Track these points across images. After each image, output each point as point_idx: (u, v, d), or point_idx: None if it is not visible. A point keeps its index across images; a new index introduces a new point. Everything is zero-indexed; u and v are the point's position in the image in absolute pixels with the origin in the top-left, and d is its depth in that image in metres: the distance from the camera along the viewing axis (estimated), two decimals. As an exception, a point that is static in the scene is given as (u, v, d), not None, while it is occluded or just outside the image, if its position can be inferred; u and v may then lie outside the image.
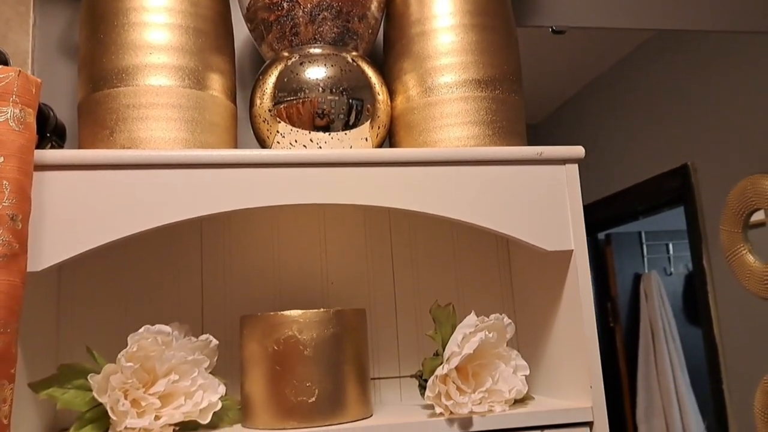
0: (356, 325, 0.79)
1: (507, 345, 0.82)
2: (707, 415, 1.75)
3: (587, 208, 0.82)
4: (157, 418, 0.70)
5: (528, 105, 0.91)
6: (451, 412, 0.75)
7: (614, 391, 2.49)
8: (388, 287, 0.98)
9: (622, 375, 2.54)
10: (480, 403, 0.76)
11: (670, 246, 2.73)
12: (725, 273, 1.53)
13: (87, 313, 0.88)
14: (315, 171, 0.76)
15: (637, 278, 2.64)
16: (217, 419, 0.77)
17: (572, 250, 0.81)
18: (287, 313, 0.75)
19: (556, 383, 0.87)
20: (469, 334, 0.78)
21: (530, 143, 0.87)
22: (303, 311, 0.76)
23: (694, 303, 2.58)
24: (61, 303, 0.88)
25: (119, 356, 0.70)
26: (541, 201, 0.81)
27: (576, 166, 0.83)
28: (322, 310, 0.76)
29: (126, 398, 0.70)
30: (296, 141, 0.82)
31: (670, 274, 2.72)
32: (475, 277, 1.01)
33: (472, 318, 0.80)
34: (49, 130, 0.85)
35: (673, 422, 2.36)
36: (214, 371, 0.78)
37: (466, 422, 0.75)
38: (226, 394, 0.79)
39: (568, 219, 0.81)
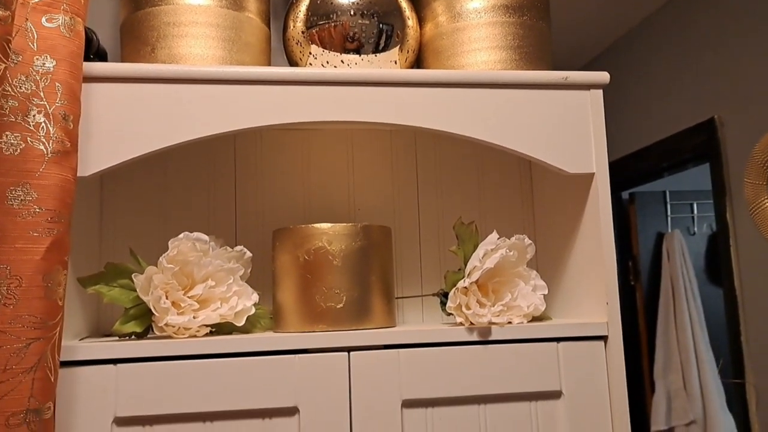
0: (382, 240, 0.83)
1: (527, 266, 0.86)
2: (727, 375, 1.76)
3: (612, 166, 0.83)
4: (195, 318, 0.75)
5: (556, 60, 0.92)
6: (471, 322, 0.79)
7: (633, 347, 2.51)
8: (413, 210, 1.01)
9: (641, 332, 2.56)
10: (499, 315, 0.80)
11: (695, 206, 2.72)
12: (749, 230, 1.54)
13: (127, 222, 0.94)
14: (345, 90, 0.79)
15: (660, 237, 2.65)
16: (250, 325, 0.82)
17: (594, 173, 0.83)
18: (318, 225, 0.79)
19: (575, 302, 0.90)
20: (490, 251, 0.81)
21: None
22: (332, 224, 0.79)
23: (716, 263, 2.58)
24: (104, 211, 0.93)
25: (161, 258, 0.75)
26: (565, 125, 0.83)
27: (600, 91, 0.85)
28: (350, 224, 0.80)
29: (167, 298, 0.75)
30: (328, 62, 0.85)
31: (694, 233, 2.73)
32: (498, 201, 1.04)
33: (494, 236, 0.83)
34: (93, 53, 0.89)
35: (691, 378, 2.39)
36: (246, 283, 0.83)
37: (484, 331, 0.79)
38: (258, 304, 0.84)
39: (591, 143, 0.84)
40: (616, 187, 2.34)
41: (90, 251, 0.88)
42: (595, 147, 0.84)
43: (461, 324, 0.79)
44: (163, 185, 0.96)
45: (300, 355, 0.75)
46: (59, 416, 0.69)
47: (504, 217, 1.03)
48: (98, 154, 0.74)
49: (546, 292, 0.85)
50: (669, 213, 2.68)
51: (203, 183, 0.97)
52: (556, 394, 0.79)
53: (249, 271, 0.84)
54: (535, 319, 0.85)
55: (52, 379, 0.60)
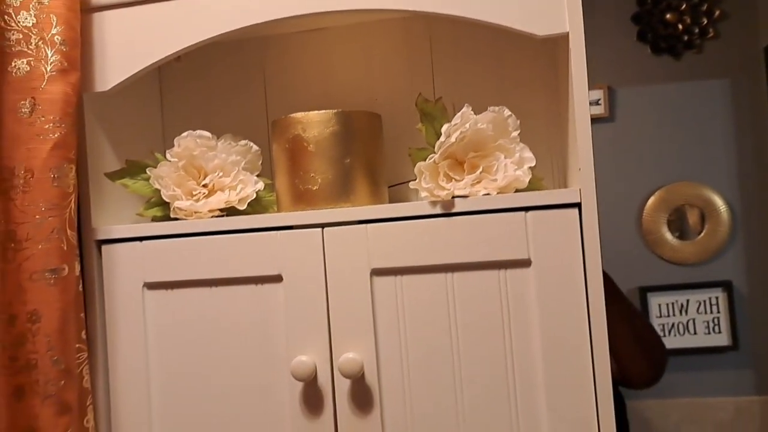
0: (365, 126, 0.88)
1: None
2: None
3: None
4: (198, 202, 0.89)
5: None
6: (437, 195, 0.81)
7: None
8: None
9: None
10: (464, 189, 0.81)
11: None
12: None
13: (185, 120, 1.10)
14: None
15: None
16: (263, 209, 0.94)
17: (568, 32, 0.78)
18: (294, 115, 0.87)
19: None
20: (459, 123, 0.82)
21: None
22: (306, 113, 0.87)
23: None
24: (164, 112, 1.10)
25: (167, 152, 0.89)
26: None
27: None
28: (323, 111, 0.86)
29: (177, 187, 0.89)
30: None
31: None
32: (518, 85, 1.01)
33: (464, 110, 0.83)
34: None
35: None
36: (262, 175, 0.94)
37: (447, 204, 0.81)
38: (272, 192, 0.95)
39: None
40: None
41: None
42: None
43: (426, 198, 0.82)
44: (195, 83, 1.10)
45: (281, 231, 0.85)
46: (106, 284, 0.89)
47: (525, 107, 0.99)
48: (113, 70, 0.89)
49: (533, 164, 0.83)
50: None
51: (234, 82, 1.09)
52: (525, 263, 0.79)
53: (260, 163, 0.95)
54: (521, 192, 0.84)
55: (65, 248, 0.79)
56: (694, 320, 2.13)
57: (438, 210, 0.81)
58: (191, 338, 0.87)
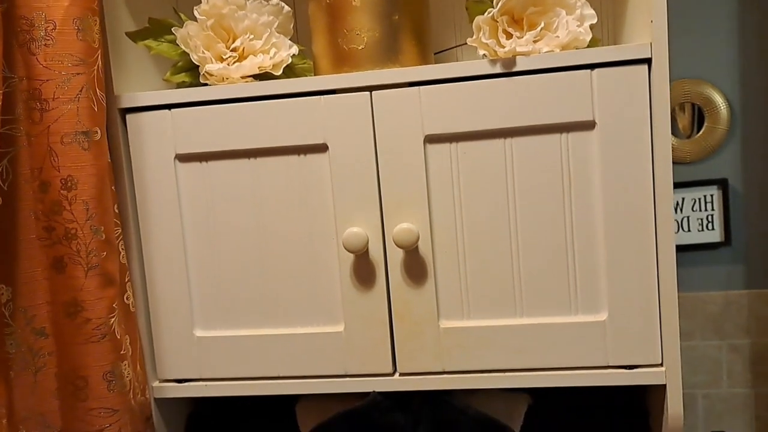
0: (411, -19, 0.81)
1: None
2: None
3: None
4: (230, 66, 0.82)
5: None
6: (496, 53, 0.76)
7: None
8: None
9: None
10: (526, 46, 0.75)
11: None
12: None
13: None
14: None
15: None
16: (292, 78, 0.87)
17: None
18: (336, -34, 0.79)
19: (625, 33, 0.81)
20: (519, -24, 0.75)
21: None
22: (350, -37, 0.79)
23: None
24: None
25: (195, 11, 0.81)
26: None
27: None
28: (369, -39, 0.78)
29: (207, 50, 0.82)
30: None
31: None
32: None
33: (525, -39, 0.76)
34: None
35: None
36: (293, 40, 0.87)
37: (508, 63, 0.75)
38: (305, 59, 0.88)
39: None
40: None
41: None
42: None
43: (484, 56, 0.76)
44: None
45: (325, 96, 0.79)
46: (134, 157, 0.82)
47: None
48: None
49: (594, 20, 0.78)
50: None
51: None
52: (589, 125, 0.75)
53: (291, 26, 0.88)
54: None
55: (96, 109, 0.71)
56: (688, 218, 2.16)
57: (498, 69, 0.76)
58: (229, 214, 0.82)
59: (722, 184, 2.24)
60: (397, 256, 0.79)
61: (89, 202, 0.71)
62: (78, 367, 0.71)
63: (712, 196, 2.15)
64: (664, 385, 0.76)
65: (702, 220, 2.17)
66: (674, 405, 0.76)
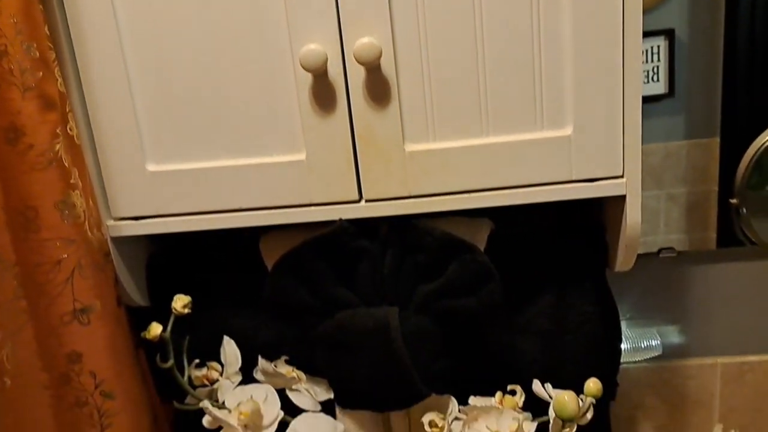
0: None
1: None
2: None
3: None
4: None
5: None
6: None
7: None
8: None
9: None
10: None
11: None
12: None
13: None
14: None
15: None
16: None
17: None
18: None
19: None
20: None
21: None
22: None
23: None
24: None
25: None
26: None
27: None
28: None
29: None
30: None
31: None
32: None
33: None
34: None
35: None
36: None
37: None
38: None
39: None
40: None
41: None
42: None
43: None
44: None
45: None
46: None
47: None
48: None
49: None
50: None
51: None
52: (559, -74, 0.71)
53: None
54: None
55: None
56: (634, 71, 2.18)
57: None
58: (175, 35, 0.75)
59: (669, 34, 2.24)
60: (358, 75, 0.75)
61: (16, 16, 0.63)
62: (26, 196, 0.66)
63: (658, 47, 2.16)
64: (624, 196, 0.78)
65: (648, 72, 2.19)
66: (633, 214, 0.78)
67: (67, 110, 0.72)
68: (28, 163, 0.65)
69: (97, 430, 0.73)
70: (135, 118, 0.77)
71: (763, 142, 1.08)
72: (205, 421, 0.80)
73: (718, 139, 1.11)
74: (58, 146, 0.67)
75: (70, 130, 0.72)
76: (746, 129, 1.10)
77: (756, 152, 1.09)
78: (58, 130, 0.67)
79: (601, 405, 0.86)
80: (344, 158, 0.78)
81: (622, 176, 0.77)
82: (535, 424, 0.76)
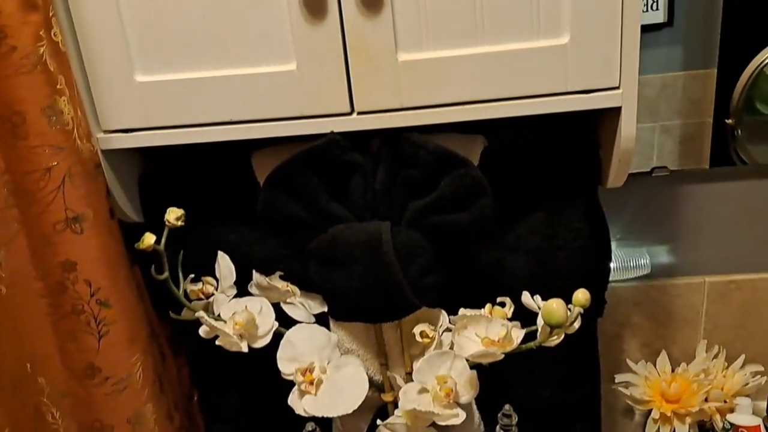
0: None
1: None
2: None
3: None
4: None
5: None
6: None
7: None
8: None
9: None
10: None
11: None
12: None
13: None
14: None
15: None
16: None
17: None
18: None
19: None
20: None
21: None
22: None
23: None
24: None
25: None
26: None
27: None
28: None
29: None
30: None
31: None
32: None
33: None
34: None
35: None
36: None
37: None
38: None
39: None
40: None
41: None
42: None
43: None
44: None
45: None
46: None
47: None
48: None
49: None
50: None
51: None
52: None
53: None
54: None
55: None
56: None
57: None
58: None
59: (671, -40, 2.17)
60: (350, -18, 0.73)
61: None
62: (12, 102, 0.65)
63: (659, -27, 2.11)
64: (619, 109, 0.77)
65: (648, 0, 2.15)
66: (627, 126, 0.78)
67: (51, 14, 0.70)
68: (12, 66, 0.64)
69: (94, 337, 0.74)
70: (121, 26, 0.75)
71: (759, 62, 1.06)
72: (202, 330, 0.81)
73: (715, 71, 1.09)
74: (42, 50, 0.65)
75: (55, 36, 0.70)
76: (744, 60, 1.08)
77: (752, 73, 1.07)
78: (41, 33, 0.65)
79: (589, 322, 0.87)
80: (335, 68, 0.77)
81: (618, 87, 0.76)
82: (523, 332, 0.77)
